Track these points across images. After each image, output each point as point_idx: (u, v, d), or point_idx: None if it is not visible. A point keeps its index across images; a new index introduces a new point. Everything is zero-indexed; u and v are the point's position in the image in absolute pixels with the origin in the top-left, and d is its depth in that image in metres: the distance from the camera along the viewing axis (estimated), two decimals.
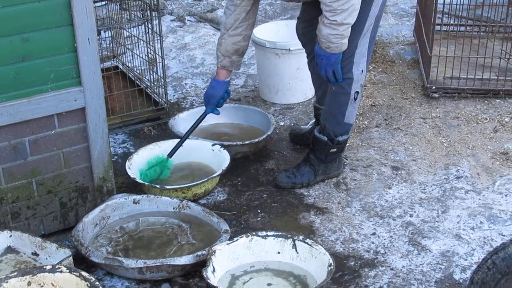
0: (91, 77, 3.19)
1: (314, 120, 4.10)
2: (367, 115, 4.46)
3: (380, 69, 5.03)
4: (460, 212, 3.54)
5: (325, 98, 3.68)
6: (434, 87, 4.60)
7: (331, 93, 3.58)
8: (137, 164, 3.72)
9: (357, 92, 3.54)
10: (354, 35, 3.35)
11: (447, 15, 5.30)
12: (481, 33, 5.09)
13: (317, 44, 3.40)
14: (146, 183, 3.57)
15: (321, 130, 3.68)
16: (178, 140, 3.81)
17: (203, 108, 4.33)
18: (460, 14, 5.40)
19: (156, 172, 3.70)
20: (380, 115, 4.46)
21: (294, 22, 3.97)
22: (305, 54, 3.90)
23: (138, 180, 3.59)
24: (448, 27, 5.21)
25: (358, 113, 4.45)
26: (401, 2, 6.21)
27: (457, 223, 3.46)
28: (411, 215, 3.53)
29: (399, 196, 3.68)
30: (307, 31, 3.73)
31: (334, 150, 3.70)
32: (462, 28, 5.24)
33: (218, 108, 3.81)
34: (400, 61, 5.13)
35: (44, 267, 2.85)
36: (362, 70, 3.52)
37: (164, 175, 3.72)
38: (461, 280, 3.08)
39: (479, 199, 3.63)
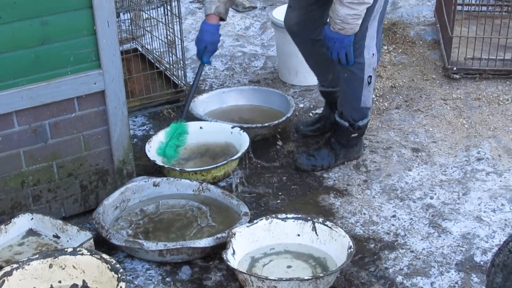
0: (110, 60, 3.19)
1: (319, 110, 4.08)
2: (387, 96, 4.43)
3: (401, 50, 4.99)
4: (481, 194, 3.51)
5: (338, 83, 3.65)
6: (455, 68, 4.56)
7: (344, 79, 3.53)
8: (157, 147, 3.72)
9: (370, 76, 3.49)
10: (365, 17, 3.29)
11: None
12: (503, 13, 5.03)
13: (328, 26, 3.32)
14: (166, 166, 3.58)
15: (339, 115, 3.65)
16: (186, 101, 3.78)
17: (222, 90, 4.34)
18: None
19: (173, 146, 3.63)
20: (400, 97, 4.43)
21: None
22: None
23: (158, 162, 3.59)
24: (469, 7, 5.15)
25: (378, 95, 4.43)
26: None
27: (478, 205, 3.44)
28: (431, 197, 3.51)
29: (420, 178, 3.66)
30: (302, 20, 3.63)
31: (356, 135, 3.67)
32: (484, 8, 5.17)
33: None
34: (421, 42, 5.08)
35: (66, 249, 2.87)
36: (373, 54, 3.46)
37: (182, 142, 3.66)
38: (481, 263, 3.07)
39: (500, 181, 3.60)
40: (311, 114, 4.30)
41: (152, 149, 3.69)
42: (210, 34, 3.52)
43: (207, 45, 3.54)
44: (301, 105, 4.38)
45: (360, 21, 3.25)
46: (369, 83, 3.51)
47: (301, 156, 3.72)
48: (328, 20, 3.35)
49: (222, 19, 3.57)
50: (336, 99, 3.76)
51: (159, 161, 3.62)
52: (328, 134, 3.79)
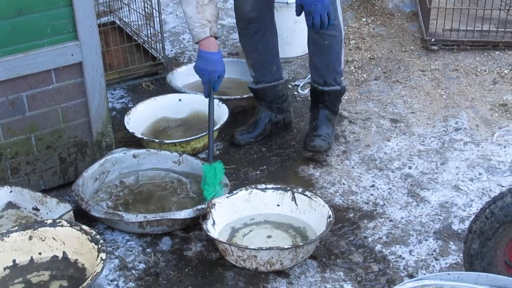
0: (87, 31, 3.16)
1: (298, 82, 4.03)
2: (366, 68, 4.44)
3: (379, 22, 4.99)
4: (459, 163, 3.54)
5: (313, 57, 3.56)
6: (433, 40, 4.57)
7: (325, 46, 3.47)
8: (135, 119, 3.71)
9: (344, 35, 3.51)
10: None
11: None
12: None
13: None
14: (145, 138, 3.57)
15: (323, 84, 3.58)
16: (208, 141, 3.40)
17: None
18: None
19: (220, 189, 3.24)
20: (379, 68, 4.44)
21: None
22: None
23: (137, 134, 3.58)
24: None
25: (357, 67, 4.46)
26: None
27: (456, 174, 3.47)
28: (410, 167, 3.54)
29: (398, 148, 3.69)
30: (258, 4, 3.49)
31: (342, 95, 3.68)
32: None
33: None
34: (399, 14, 5.09)
35: (45, 221, 2.86)
36: (341, 13, 3.49)
37: (219, 177, 3.26)
38: (459, 231, 3.10)
39: (478, 150, 3.63)
40: (289, 86, 4.29)
41: (131, 121, 3.68)
42: (219, 62, 3.29)
43: (221, 74, 3.32)
44: None
45: None
46: (344, 43, 3.49)
47: (313, 140, 3.55)
48: None
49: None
50: (279, 93, 3.69)
51: (138, 133, 3.61)
52: (316, 110, 3.65)
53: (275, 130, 3.79)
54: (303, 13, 3.22)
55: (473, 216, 3.09)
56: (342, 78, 3.64)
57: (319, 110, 3.64)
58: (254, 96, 3.78)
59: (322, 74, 3.57)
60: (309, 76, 4.22)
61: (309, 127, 3.67)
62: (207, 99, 3.80)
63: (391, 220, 3.19)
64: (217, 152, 3.67)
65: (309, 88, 3.72)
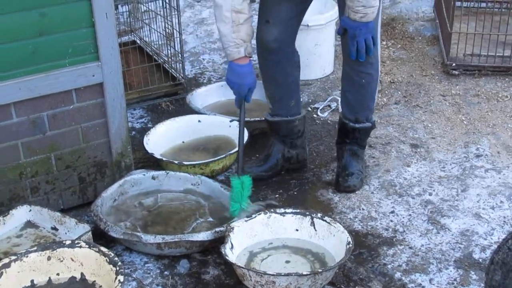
0: (108, 52, 3.17)
1: (318, 105, 3.96)
2: (386, 92, 4.42)
3: (399, 46, 4.98)
4: (480, 191, 3.51)
5: (348, 93, 3.46)
6: (454, 64, 4.55)
7: (362, 85, 3.38)
8: (155, 139, 3.71)
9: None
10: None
11: None
12: (502, 10, 5.01)
13: (346, 18, 3.16)
14: (164, 159, 3.56)
15: (354, 121, 3.49)
16: (237, 151, 3.40)
17: (221, 83, 4.30)
18: None
19: (246, 204, 3.21)
20: (399, 92, 4.42)
21: None
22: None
23: (156, 155, 3.58)
24: (468, 3, 5.14)
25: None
26: None
27: (476, 202, 3.44)
28: (430, 194, 3.51)
29: (418, 174, 3.66)
30: (283, 36, 3.39)
31: (372, 130, 3.62)
32: (483, 5, 5.16)
33: None
34: (420, 38, 5.08)
35: (64, 242, 2.86)
36: (378, 53, 3.39)
37: (246, 193, 3.22)
38: (480, 260, 3.06)
39: (499, 178, 3.60)
40: (309, 109, 4.28)
41: (151, 142, 3.68)
42: (250, 74, 3.24)
43: (251, 87, 3.26)
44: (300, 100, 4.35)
45: (378, 1, 3.13)
46: (380, 81, 3.42)
47: (347, 180, 3.49)
48: (345, 12, 3.19)
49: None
50: (294, 128, 3.59)
51: (157, 153, 3.61)
52: (345, 147, 3.56)
53: (288, 166, 3.65)
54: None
55: (494, 245, 3.07)
56: (373, 115, 3.59)
57: (347, 146, 3.54)
58: (269, 129, 3.67)
59: (355, 111, 3.48)
60: (329, 98, 4.23)
61: (338, 165, 3.56)
62: (227, 121, 3.82)
63: (411, 247, 3.16)
64: (235, 174, 3.65)
65: (338, 121, 3.60)
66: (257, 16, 3.43)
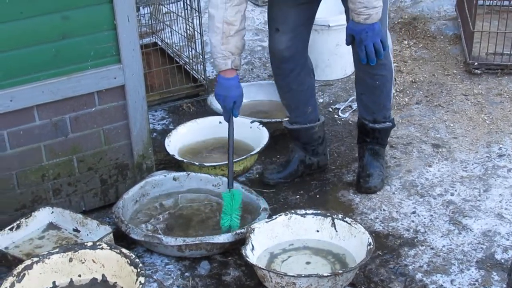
0: (130, 55, 3.19)
1: (339, 105, 3.95)
2: (408, 91, 4.41)
3: (421, 45, 4.96)
4: (502, 191, 3.48)
5: (363, 96, 3.43)
6: (476, 63, 4.52)
7: (376, 87, 3.35)
8: (176, 141, 3.73)
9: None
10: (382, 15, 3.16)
11: None
12: None
13: (351, 23, 3.11)
14: (185, 160, 3.58)
15: (373, 122, 3.47)
16: (228, 165, 3.31)
17: (242, 85, 4.32)
18: None
19: (237, 218, 3.17)
20: (421, 92, 4.40)
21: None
22: (344, 30, 3.69)
23: (177, 157, 3.60)
24: (491, 1, 5.10)
25: (398, 90, 4.41)
26: None
27: (499, 202, 3.41)
28: (452, 194, 3.49)
29: (440, 174, 3.64)
30: (293, 43, 3.35)
31: (392, 129, 3.59)
32: (506, 3, 5.11)
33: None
34: (442, 37, 5.05)
35: (85, 243, 2.88)
36: (390, 52, 3.35)
37: (236, 205, 3.20)
38: (502, 260, 3.04)
39: None
40: (330, 109, 4.28)
41: (172, 143, 3.70)
42: (235, 88, 3.23)
43: (236, 100, 3.25)
44: (321, 100, 4.36)
45: (381, 2, 3.07)
46: (395, 79, 3.39)
47: (368, 181, 3.48)
48: (350, 17, 3.16)
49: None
50: (314, 135, 3.58)
51: (178, 155, 3.62)
52: (366, 147, 3.54)
53: (308, 172, 3.64)
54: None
55: None
56: (392, 112, 3.55)
57: (368, 146, 3.52)
58: (289, 136, 3.67)
59: (372, 112, 3.46)
60: (350, 99, 4.22)
61: (359, 165, 3.54)
62: (247, 122, 3.83)
63: (432, 248, 3.14)
64: (256, 175, 3.67)
65: (357, 121, 3.58)
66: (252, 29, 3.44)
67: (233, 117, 3.27)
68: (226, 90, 3.23)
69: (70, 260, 2.85)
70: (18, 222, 3.14)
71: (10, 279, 2.72)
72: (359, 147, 3.60)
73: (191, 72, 4.51)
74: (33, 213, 3.18)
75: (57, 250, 2.85)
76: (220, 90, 3.25)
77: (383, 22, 3.22)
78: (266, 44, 5.10)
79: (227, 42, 3.14)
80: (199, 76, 4.44)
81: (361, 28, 3.09)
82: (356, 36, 3.13)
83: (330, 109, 4.28)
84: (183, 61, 4.63)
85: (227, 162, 3.56)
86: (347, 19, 3.27)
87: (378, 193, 3.51)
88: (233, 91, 3.23)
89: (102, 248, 2.86)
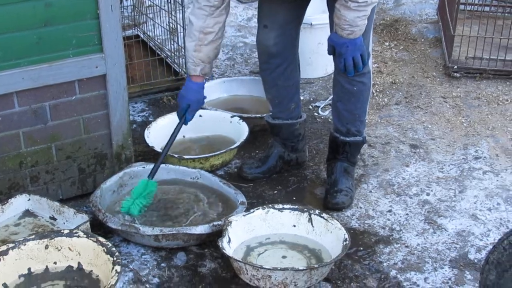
0: (112, 44, 3.19)
1: (319, 103, 3.94)
2: (387, 92, 4.44)
3: (402, 47, 5.00)
4: (477, 192, 3.53)
5: (339, 103, 3.39)
6: (455, 67, 4.57)
7: (354, 93, 3.31)
8: (156, 133, 3.73)
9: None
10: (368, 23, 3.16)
11: None
12: (506, 14, 5.04)
13: (334, 34, 3.13)
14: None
15: (345, 134, 3.43)
16: (156, 160, 3.33)
17: (223, 79, 4.34)
18: None
19: (140, 205, 3.17)
20: (400, 93, 4.44)
21: None
22: (328, 28, 3.71)
23: (157, 149, 3.60)
24: (472, 6, 5.16)
25: (378, 90, 4.45)
26: None
27: (474, 203, 3.45)
28: (427, 194, 3.52)
29: (417, 174, 3.67)
30: (281, 40, 3.36)
31: (363, 145, 3.54)
32: (487, 8, 5.18)
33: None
34: (423, 40, 5.10)
35: (62, 231, 2.87)
36: (370, 62, 3.35)
37: (149, 201, 3.23)
38: (475, 260, 3.08)
39: (497, 180, 3.61)
40: (310, 107, 4.30)
41: (151, 135, 3.70)
42: (194, 92, 3.33)
43: (190, 104, 3.33)
44: (302, 98, 4.36)
45: (366, 20, 3.09)
46: (372, 92, 3.38)
47: (335, 196, 3.40)
48: (333, 29, 3.17)
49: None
50: (295, 131, 3.59)
51: (157, 147, 3.62)
52: (334, 163, 3.49)
53: (286, 168, 3.65)
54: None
55: (490, 246, 3.09)
56: (365, 130, 3.52)
57: (337, 162, 3.48)
58: (270, 131, 3.67)
59: (346, 122, 3.41)
60: (330, 97, 4.23)
61: (328, 182, 3.48)
62: (228, 117, 3.84)
63: (407, 246, 3.17)
64: (235, 169, 3.68)
65: (329, 137, 3.54)
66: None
67: (185, 120, 3.37)
68: (186, 91, 3.36)
69: (46, 247, 2.84)
70: None
71: None
72: (328, 164, 3.54)
73: (173, 66, 4.51)
74: (9, 199, 3.17)
75: (33, 236, 2.84)
76: (183, 89, 3.40)
77: (366, 36, 3.21)
78: (248, 40, 5.12)
79: (199, 50, 3.24)
80: (180, 70, 4.45)
81: (343, 41, 3.10)
82: (336, 48, 3.15)
83: (310, 107, 4.31)
84: (164, 54, 4.63)
85: (206, 155, 3.58)
86: (330, 23, 3.26)
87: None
88: (191, 94, 3.34)
89: (78, 236, 2.85)
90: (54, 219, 3.15)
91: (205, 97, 3.42)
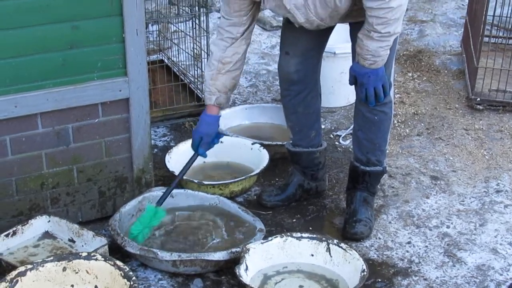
0: (137, 68, 3.21)
1: (340, 132, 3.93)
2: (409, 123, 4.43)
3: (425, 78, 4.99)
4: (498, 226, 3.49)
5: (359, 132, 3.37)
6: (478, 99, 4.55)
7: (375, 123, 3.29)
8: (176, 158, 3.74)
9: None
10: (390, 53, 3.14)
11: (496, 27, 5.24)
12: None
13: (355, 64, 3.12)
14: (184, 177, 3.58)
15: (365, 163, 3.40)
16: (167, 187, 3.33)
17: (245, 106, 4.35)
18: (510, 27, 5.33)
19: (147, 235, 3.18)
20: (422, 124, 4.42)
21: (340, 26, 3.83)
22: (350, 58, 3.71)
23: (177, 174, 3.60)
24: (496, 39, 5.15)
25: (400, 121, 4.43)
26: (449, 11, 6.16)
27: (494, 237, 3.42)
28: (448, 226, 3.49)
29: (437, 206, 3.65)
30: (303, 67, 3.36)
31: (383, 175, 3.52)
32: (511, 41, 5.16)
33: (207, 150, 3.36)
34: (446, 71, 5.08)
35: (80, 254, 2.88)
36: (392, 91, 3.33)
37: (153, 222, 3.21)
38: None
39: None
40: (331, 136, 4.30)
41: (172, 160, 3.71)
42: (206, 125, 3.29)
43: (202, 136, 3.29)
44: (323, 126, 4.37)
45: (388, 51, 3.08)
46: (393, 121, 3.36)
47: (354, 226, 3.36)
48: (355, 59, 3.14)
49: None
50: (315, 160, 3.57)
51: (178, 172, 3.63)
52: (354, 194, 3.47)
53: (306, 197, 3.64)
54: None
55: (510, 281, 3.05)
56: (386, 160, 3.49)
57: (357, 192, 3.44)
58: (290, 159, 3.64)
59: (366, 151, 3.37)
60: (352, 127, 4.22)
61: (347, 211, 3.45)
62: (248, 144, 3.85)
63: (425, 279, 3.14)
64: (254, 197, 3.67)
65: (349, 166, 3.52)
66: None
67: (200, 154, 3.32)
68: (199, 124, 3.33)
69: (64, 269, 2.85)
70: (14, 228, 3.14)
71: (3, 285, 2.71)
72: (347, 194, 3.52)
73: (196, 91, 4.53)
74: (29, 220, 3.18)
75: (51, 258, 2.85)
76: (198, 121, 3.35)
77: (388, 66, 3.20)
78: (271, 68, 5.14)
79: (216, 79, 3.24)
80: (203, 96, 4.46)
81: (365, 71, 3.09)
82: (358, 78, 3.14)
83: (331, 136, 4.30)
84: (188, 80, 4.65)
85: (225, 181, 3.58)
86: (353, 53, 3.25)
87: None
88: (204, 127, 3.31)
89: (96, 259, 2.86)
90: (73, 241, 3.16)
91: (219, 134, 3.36)
